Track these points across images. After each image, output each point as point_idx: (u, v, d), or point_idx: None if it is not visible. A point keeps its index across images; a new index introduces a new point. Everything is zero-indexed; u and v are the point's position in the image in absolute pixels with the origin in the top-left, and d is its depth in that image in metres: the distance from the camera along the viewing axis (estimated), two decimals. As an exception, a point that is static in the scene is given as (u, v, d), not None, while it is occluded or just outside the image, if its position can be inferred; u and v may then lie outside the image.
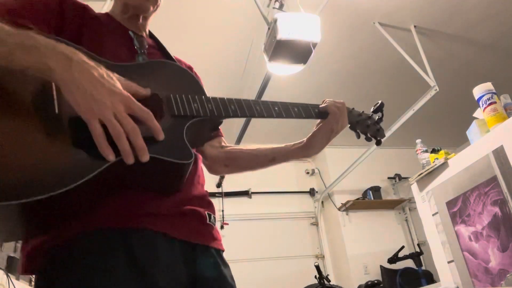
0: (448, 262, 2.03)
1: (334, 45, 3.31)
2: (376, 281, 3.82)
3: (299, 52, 2.23)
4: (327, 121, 0.99)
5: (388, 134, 3.54)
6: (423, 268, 3.74)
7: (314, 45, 2.18)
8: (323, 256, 4.50)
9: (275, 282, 4.01)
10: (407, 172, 4.03)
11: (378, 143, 1.09)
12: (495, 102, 1.83)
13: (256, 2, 2.45)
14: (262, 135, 4.13)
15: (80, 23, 0.84)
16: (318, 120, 1.02)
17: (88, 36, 0.82)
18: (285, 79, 3.24)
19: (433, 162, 2.14)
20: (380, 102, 1.08)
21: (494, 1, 3.08)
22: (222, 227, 4.13)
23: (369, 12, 3.08)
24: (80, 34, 0.81)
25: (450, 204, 2.03)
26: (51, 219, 0.66)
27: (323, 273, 3.62)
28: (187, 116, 0.77)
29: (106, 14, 0.96)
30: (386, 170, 4.74)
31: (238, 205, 4.45)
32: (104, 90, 0.63)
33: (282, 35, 2.13)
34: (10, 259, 1.90)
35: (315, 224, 4.69)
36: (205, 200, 0.88)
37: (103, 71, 0.66)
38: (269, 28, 2.24)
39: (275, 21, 2.15)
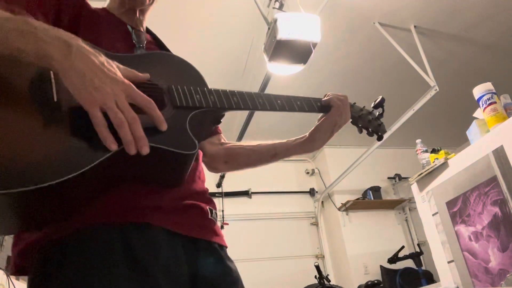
0: (448, 262, 2.03)
1: (334, 45, 3.31)
2: (376, 281, 3.82)
3: (299, 52, 2.23)
4: (330, 114, 0.98)
5: (388, 134, 3.54)
6: (423, 268, 3.74)
7: (314, 45, 2.18)
8: (323, 256, 4.50)
9: (275, 282, 4.01)
10: (407, 172, 4.03)
11: (380, 138, 1.08)
12: (495, 102, 1.83)
13: (256, 2, 2.45)
14: (263, 132, 4.13)
15: (77, 16, 0.83)
16: (320, 115, 1.01)
17: (85, 29, 0.80)
18: (285, 79, 3.24)
19: (433, 162, 2.14)
20: (380, 97, 1.08)
21: (494, 1, 3.07)
22: (222, 227, 4.13)
23: (369, 12, 3.08)
24: (77, 28, 0.80)
25: (450, 204, 2.03)
26: (49, 211, 0.63)
27: (323, 273, 3.62)
28: (190, 107, 0.75)
29: (104, 9, 0.95)
30: (386, 170, 4.74)
31: (238, 205, 4.45)
32: (105, 77, 0.61)
33: (282, 35, 2.12)
34: (10, 259, 1.90)
35: (315, 224, 4.69)
36: (206, 196, 0.86)
37: (103, 58, 0.64)
38: (269, 28, 2.24)
39: (275, 21, 2.15)
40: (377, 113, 1.08)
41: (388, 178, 4.75)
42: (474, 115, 2.02)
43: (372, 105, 1.09)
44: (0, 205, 0.56)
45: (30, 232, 0.68)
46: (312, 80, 3.60)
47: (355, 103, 1.07)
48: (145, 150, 0.61)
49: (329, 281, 3.57)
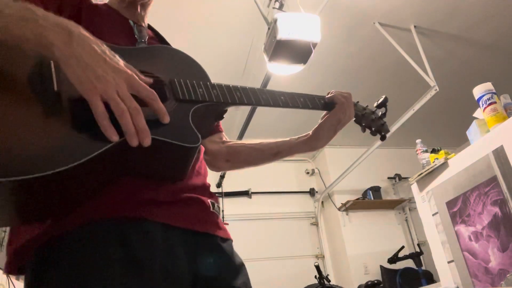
0: (448, 262, 2.03)
1: (334, 45, 3.31)
2: (376, 281, 3.82)
3: (299, 52, 2.22)
4: (334, 111, 0.96)
5: (388, 134, 3.54)
6: (423, 268, 3.74)
7: (314, 45, 2.18)
8: (323, 256, 4.50)
9: (275, 282, 4.01)
10: (407, 172, 4.04)
11: (383, 138, 1.07)
12: (495, 102, 1.83)
13: (256, 2, 2.45)
14: (264, 132, 4.11)
15: (78, 11, 0.81)
16: (324, 113, 0.99)
17: (86, 24, 0.77)
18: (285, 79, 3.23)
19: (433, 162, 2.14)
20: (384, 97, 1.07)
21: (494, 1, 3.07)
22: (222, 227, 4.13)
23: (369, 12, 3.08)
24: (77, 23, 0.78)
25: (450, 204, 2.03)
26: (47, 203, 0.61)
27: (323, 273, 3.62)
28: (192, 100, 0.74)
29: (105, 4, 0.94)
30: (386, 170, 4.73)
31: (238, 205, 4.45)
32: (106, 66, 0.59)
33: (282, 35, 2.12)
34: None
35: (315, 224, 4.69)
36: (207, 190, 0.84)
37: (105, 47, 0.62)
38: (269, 28, 2.24)
39: (275, 21, 2.15)
40: (380, 113, 1.07)
41: (388, 178, 4.75)
42: (474, 115, 2.02)
43: (375, 104, 1.08)
44: None
45: (26, 226, 0.66)
46: (312, 80, 3.60)
47: (358, 102, 1.06)
48: (147, 142, 0.60)
49: (329, 281, 3.57)
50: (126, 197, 0.68)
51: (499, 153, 1.74)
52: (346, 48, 3.43)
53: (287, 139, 1.01)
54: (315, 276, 3.47)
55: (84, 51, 0.58)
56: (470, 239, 1.92)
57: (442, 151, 2.14)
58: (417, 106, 3.22)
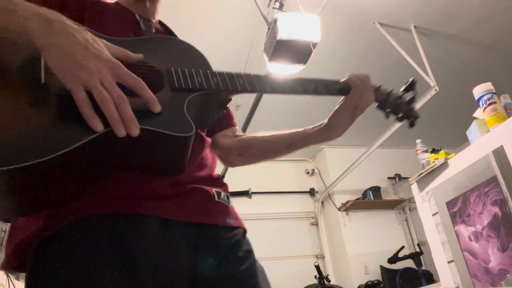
0: (448, 262, 2.03)
1: (334, 45, 3.31)
2: (376, 281, 3.82)
3: (299, 52, 2.23)
4: (350, 96, 0.88)
5: (388, 134, 3.54)
6: (423, 268, 3.74)
7: (314, 45, 2.18)
8: (323, 256, 4.50)
9: (275, 282, 3.97)
10: (407, 172, 4.04)
11: (411, 124, 0.97)
12: (495, 102, 1.83)
13: (256, 2, 2.45)
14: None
15: (82, 7, 0.79)
16: (341, 99, 0.91)
17: (90, 20, 0.77)
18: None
19: (433, 162, 2.14)
20: (412, 79, 0.97)
21: (494, 1, 3.07)
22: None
23: (369, 12, 3.08)
24: (82, 18, 0.76)
25: (450, 204, 2.03)
26: (30, 197, 0.59)
27: (323, 273, 3.62)
28: (189, 89, 0.70)
29: (114, 2, 0.91)
30: (386, 170, 4.74)
31: (238, 205, 4.33)
32: (88, 54, 0.57)
33: (282, 35, 2.13)
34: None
35: (315, 224, 4.69)
36: (213, 179, 0.79)
37: (88, 35, 0.60)
38: (269, 28, 2.24)
39: (275, 21, 2.15)
40: (408, 97, 0.97)
41: (388, 178, 4.75)
42: (474, 115, 2.02)
43: (403, 88, 0.98)
44: None
45: (19, 222, 0.65)
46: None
47: (381, 85, 0.96)
48: (135, 132, 0.57)
49: (329, 281, 3.57)
50: (121, 192, 0.65)
51: (499, 153, 1.74)
52: (346, 48, 3.43)
53: (302, 129, 0.94)
54: (315, 276, 3.48)
55: (64, 39, 0.57)
56: (470, 239, 1.92)
57: (442, 151, 2.14)
58: (417, 106, 3.21)
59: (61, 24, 0.58)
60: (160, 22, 0.97)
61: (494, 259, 1.78)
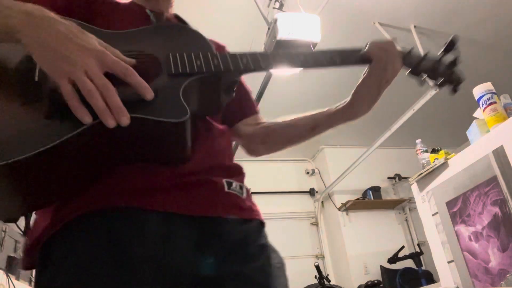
0: (448, 262, 2.03)
1: (334, 45, 3.27)
2: (376, 281, 3.82)
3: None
4: (372, 69, 0.80)
5: (388, 134, 3.54)
6: (423, 268, 3.74)
7: (314, 45, 2.18)
8: (323, 256, 4.50)
9: (275, 282, 4.00)
10: (407, 172, 4.03)
11: (455, 90, 0.85)
12: (495, 102, 1.83)
13: (256, 2, 2.45)
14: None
15: (90, 4, 0.78)
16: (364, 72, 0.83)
17: (99, 17, 0.76)
18: (285, 79, 3.24)
19: (433, 162, 2.14)
20: (451, 37, 0.87)
21: (494, 1, 3.07)
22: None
23: (369, 12, 3.08)
24: (90, 16, 0.75)
25: (450, 204, 2.03)
26: (25, 194, 0.58)
27: (323, 273, 3.62)
28: (186, 73, 0.66)
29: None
30: (386, 170, 4.73)
31: (238, 205, 4.44)
32: (72, 45, 0.56)
33: (282, 35, 2.13)
34: (10, 259, 1.90)
35: (315, 224, 4.69)
36: (225, 169, 0.74)
37: (72, 26, 0.58)
38: (269, 28, 2.24)
39: (275, 21, 2.15)
40: (449, 60, 0.86)
41: (388, 178, 4.75)
42: (474, 115, 2.02)
43: (442, 49, 0.87)
44: None
45: (35, 220, 0.66)
46: (312, 80, 3.60)
47: (413, 48, 0.85)
48: (124, 121, 0.55)
49: (329, 281, 3.57)
50: (120, 186, 0.63)
51: (499, 153, 1.74)
52: (346, 48, 3.42)
53: (325, 109, 0.86)
54: (315, 276, 3.48)
55: (47, 33, 0.56)
56: (470, 239, 1.92)
57: (442, 151, 2.14)
58: (417, 106, 3.22)
59: (44, 18, 0.57)
60: (177, 16, 0.92)
61: (494, 259, 1.78)
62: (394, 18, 3.14)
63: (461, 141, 2.21)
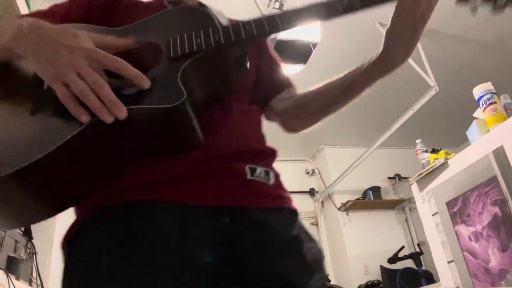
0: (448, 262, 2.03)
1: (334, 45, 3.31)
2: (376, 281, 3.82)
3: (299, 52, 2.23)
4: (399, 6, 0.71)
5: (388, 134, 3.54)
6: (423, 268, 3.74)
7: (314, 45, 2.19)
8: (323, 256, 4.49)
9: (275, 282, 4.00)
10: (407, 172, 4.03)
11: (507, 3, 0.65)
12: (495, 102, 1.83)
13: (256, 2, 2.45)
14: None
15: (113, 8, 0.79)
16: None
17: (117, 18, 0.76)
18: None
19: (433, 162, 2.14)
20: None
21: (494, 1, 3.07)
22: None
23: (369, 12, 3.06)
24: (111, 19, 0.75)
25: (450, 204, 2.03)
26: (37, 199, 0.59)
27: (323, 273, 3.61)
28: (185, 54, 0.62)
29: None
30: (386, 170, 4.73)
31: (238, 205, 4.44)
32: (60, 48, 0.56)
33: (282, 35, 2.13)
34: (10, 259, 1.90)
35: (315, 224, 4.69)
36: (249, 153, 0.68)
37: (62, 29, 0.59)
38: (269, 28, 2.24)
39: (275, 21, 2.15)
40: None
41: (388, 178, 4.75)
42: (474, 115, 2.02)
43: None
44: None
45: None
46: (312, 80, 3.59)
47: None
48: (121, 115, 0.54)
49: (329, 281, 3.57)
50: (135, 179, 0.61)
51: (499, 153, 1.74)
52: (346, 48, 3.42)
53: (356, 67, 0.77)
54: (315, 276, 3.47)
55: (36, 41, 0.57)
56: (470, 239, 1.92)
57: (442, 151, 2.14)
58: (417, 106, 3.22)
59: (32, 27, 0.58)
60: (201, 4, 0.87)
61: (494, 259, 1.78)
62: (394, 18, 3.14)
63: (461, 141, 2.21)
